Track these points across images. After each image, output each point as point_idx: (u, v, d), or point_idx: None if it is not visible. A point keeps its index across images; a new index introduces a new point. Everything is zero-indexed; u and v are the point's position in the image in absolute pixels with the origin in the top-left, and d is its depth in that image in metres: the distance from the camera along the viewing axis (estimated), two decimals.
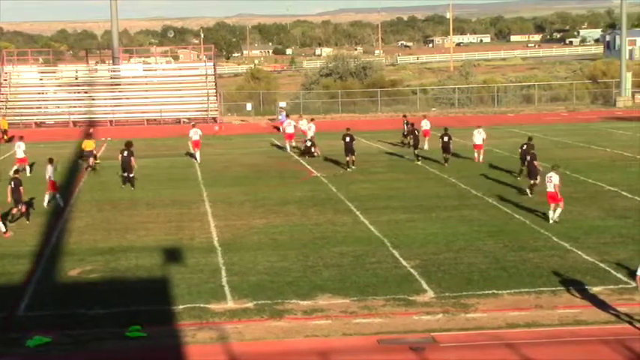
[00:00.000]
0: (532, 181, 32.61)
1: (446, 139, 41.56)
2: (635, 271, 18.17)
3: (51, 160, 34.19)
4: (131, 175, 37.08)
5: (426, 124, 48.94)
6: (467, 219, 28.89)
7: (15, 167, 38.66)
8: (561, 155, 43.30)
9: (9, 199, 29.89)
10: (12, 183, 30.05)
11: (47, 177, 33.29)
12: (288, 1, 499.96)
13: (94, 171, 42.08)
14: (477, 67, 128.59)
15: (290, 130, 49.71)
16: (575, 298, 19.91)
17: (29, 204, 31.70)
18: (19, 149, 42.14)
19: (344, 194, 34.14)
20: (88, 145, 43.41)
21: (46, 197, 33.09)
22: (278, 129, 61.56)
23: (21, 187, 29.98)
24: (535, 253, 24.12)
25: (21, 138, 43.44)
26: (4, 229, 28.00)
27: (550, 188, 27.91)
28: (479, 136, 43.09)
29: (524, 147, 36.24)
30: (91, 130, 46.23)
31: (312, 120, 50.52)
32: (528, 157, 33.29)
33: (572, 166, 39.01)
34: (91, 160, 42.89)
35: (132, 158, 37.05)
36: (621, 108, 75.73)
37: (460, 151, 45.16)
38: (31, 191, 33.02)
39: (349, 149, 41.27)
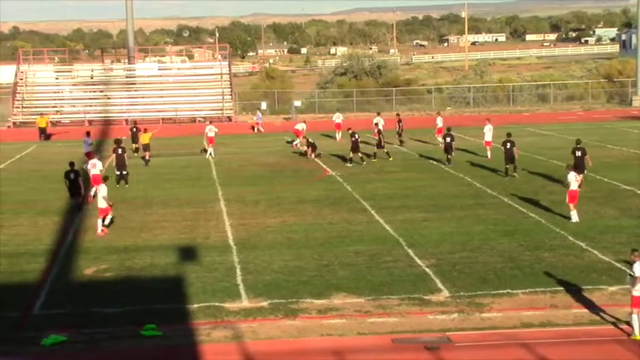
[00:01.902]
0: (580, 175, 32.54)
1: (448, 139, 41.48)
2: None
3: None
4: (124, 173, 37.51)
5: (440, 122, 48.91)
6: (482, 218, 28.82)
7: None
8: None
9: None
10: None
11: (97, 172, 34.07)
12: (303, 1, 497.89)
13: (147, 164, 43.08)
14: (492, 66, 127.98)
15: (298, 127, 51.48)
16: (590, 298, 19.83)
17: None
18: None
19: (359, 193, 34.12)
20: (144, 138, 44.72)
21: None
22: (253, 128, 63.58)
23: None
24: (550, 252, 24.05)
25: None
26: (99, 229, 28.10)
27: (576, 187, 27.81)
28: (489, 133, 43.11)
29: (507, 145, 36.49)
30: (141, 125, 47.64)
31: (378, 114, 52.13)
32: (579, 153, 33.79)
33: (587, 166, 38.77)
34: (147, 154, 44.28)
35: (125, 155, 37.82)
36: (637, 107, 75.20)
37: (476, 150, 45.07)
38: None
39: (356, 146, 42.59)
